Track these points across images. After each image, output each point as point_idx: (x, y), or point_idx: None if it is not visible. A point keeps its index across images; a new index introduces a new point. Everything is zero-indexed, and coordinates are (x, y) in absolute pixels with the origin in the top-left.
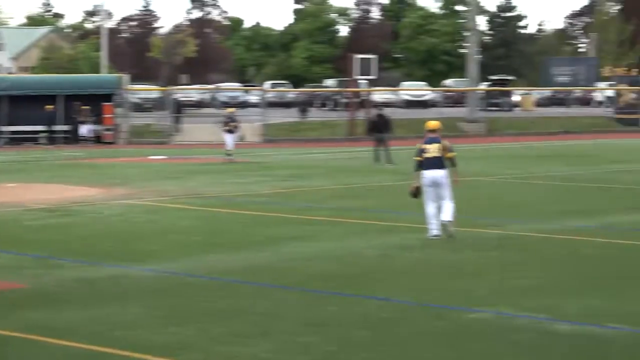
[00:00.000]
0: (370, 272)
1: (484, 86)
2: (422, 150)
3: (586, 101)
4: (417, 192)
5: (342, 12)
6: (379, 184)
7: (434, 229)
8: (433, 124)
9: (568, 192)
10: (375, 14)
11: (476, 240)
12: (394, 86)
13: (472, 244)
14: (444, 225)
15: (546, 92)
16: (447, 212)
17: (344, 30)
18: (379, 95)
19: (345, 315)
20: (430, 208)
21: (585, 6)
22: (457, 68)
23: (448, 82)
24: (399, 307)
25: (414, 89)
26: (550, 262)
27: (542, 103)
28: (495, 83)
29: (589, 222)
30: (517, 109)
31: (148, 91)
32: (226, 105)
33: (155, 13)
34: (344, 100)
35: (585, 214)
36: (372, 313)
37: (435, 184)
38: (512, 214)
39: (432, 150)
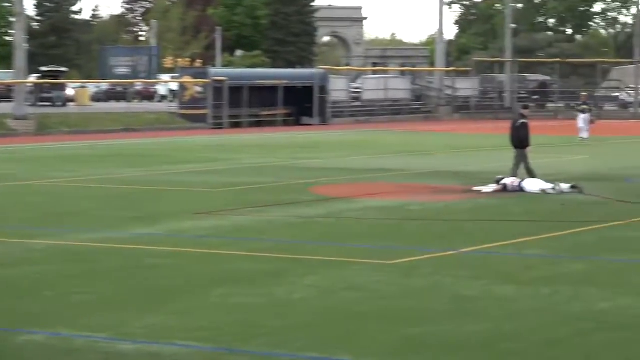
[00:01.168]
0: None
1: (33, 78)
2: None
3: (148, 95)
4: None
5: None
6: None
7: None
8: None
9: (130, 197)
10: None
11: (26, 253)
12: None
13: (21, 257)
14: None
15: (104, 85)
16: None
17: None
18: None
19: None
20: None
21: None
22: (2, 58)
23: None
24: None
25: None
26: (112, 274)
27: (99, 97)
28: (46, 75)
29: (154, 229)
30: (71, 104)
31: None
32: None
33: None
34: None
35: (149, 220)
36: None
37: None
38: (67, 222)
39: None
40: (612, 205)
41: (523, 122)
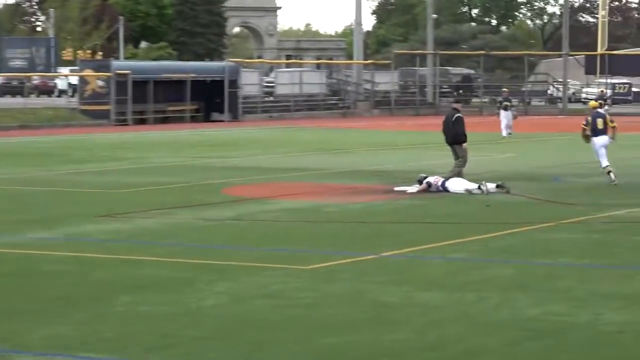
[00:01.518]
0: None
1: None
2: None
3: (47, 90)
4: None
5: None
6: None
7: None
8: None
9: (27, 198)
10: None
11: None
12: None
13: None
14: None
15: None
16: None
17: None
18: None
19: None
20: None
21: None
22: None
23: None
24: None
25: None
26: (7, 281)
27: None
28: None
29: (50, 233)
30: None
31: None
32: None
33: None
34: None
35: (46, 223)
36: None
37: None
38: None
39: None
40: (540, 205)
41: (458, 117)
